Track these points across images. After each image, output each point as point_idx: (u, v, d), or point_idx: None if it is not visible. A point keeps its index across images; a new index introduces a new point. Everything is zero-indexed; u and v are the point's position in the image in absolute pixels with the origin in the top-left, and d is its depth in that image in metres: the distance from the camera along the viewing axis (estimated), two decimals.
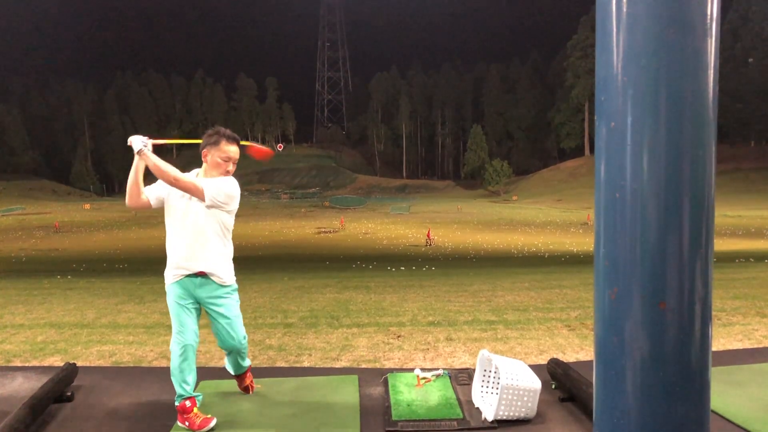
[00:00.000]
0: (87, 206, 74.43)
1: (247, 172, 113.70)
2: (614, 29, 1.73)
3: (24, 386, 4.62)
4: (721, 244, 25.48)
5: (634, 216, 1.74)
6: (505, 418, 3.75)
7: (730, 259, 16.67)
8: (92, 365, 5.38)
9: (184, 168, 3.92)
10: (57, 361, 5.46)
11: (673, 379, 1.74)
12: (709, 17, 1.68)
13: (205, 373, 4.85)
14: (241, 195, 4.03)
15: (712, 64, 1.71)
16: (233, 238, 4.07)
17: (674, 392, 1.74)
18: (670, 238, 1.71)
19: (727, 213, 47.32)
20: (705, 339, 1.78)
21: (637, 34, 1.68)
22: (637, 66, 1.70)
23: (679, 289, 1.73)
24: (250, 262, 22.02)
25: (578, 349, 5.68)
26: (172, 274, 3.82)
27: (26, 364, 5.44)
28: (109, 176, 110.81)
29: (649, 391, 1.76)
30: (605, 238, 1.80)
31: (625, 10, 1.70)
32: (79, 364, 4.94)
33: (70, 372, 4.60)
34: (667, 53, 1.66)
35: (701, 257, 1.74)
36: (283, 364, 5.35)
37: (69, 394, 4.35)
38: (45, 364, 5.41)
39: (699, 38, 1.66)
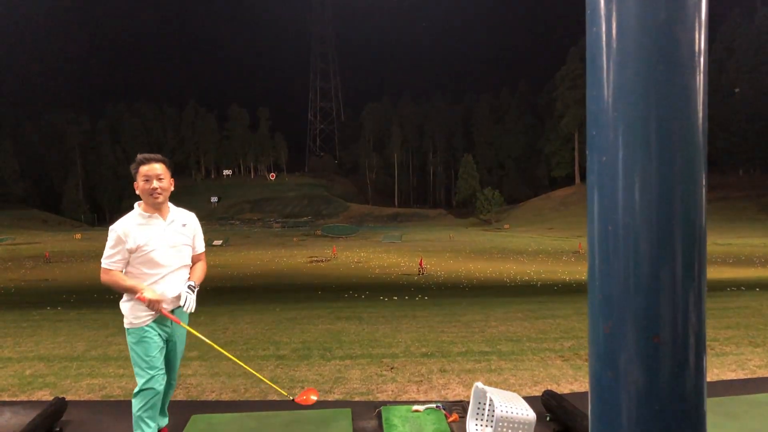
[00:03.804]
0: (78, 236, 73.98)
1: (238, 201, 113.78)
2: (605, 65, 1.75)
3: (12, 422, 4.55)
4: (711, 273, 25.55)
5: (627, 249, 1.75)
6: None
7: (721, 287, 16.71)
8: (82, 399, 5.31)
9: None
10: (46, 396, 5.38)
11: (668, 413, 1.73)
12: (697, 52, 1.71)
13: (195, 408, 4.79)
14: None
15: (701, 99, 1.74)
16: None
17: (670, 425, 1.73)
18: (663, 271, 1.72)
19: (716, 241, 47.55)
20: (700, 372, 1.77)
21: (628, 70, 1.70)
22: (627, 102, 1.72)
23: (673, 322, 1.73)
24: (242, 291, 21.88)
25: (572, 380, 5.65)
26: None
27: (14, 399, 5.35)
28: (100, 206, 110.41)
29: (644, 426, 1.74)
30: (598, 272, 1.81)
31: (615, 46, 1.73)
32: (68, 398, 4.87)
33: (59, 407, 4.54)
34: (657, 89, 1.69)
35: (694, 289, 1.74)
36: (275, 398, 5.29)
37: (58, 429, 4.28)
38: (33, 399, 5.33)
39: (688, 74, 1.69)
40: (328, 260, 44.89)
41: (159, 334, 3.66)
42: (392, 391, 5.40)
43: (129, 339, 3.64)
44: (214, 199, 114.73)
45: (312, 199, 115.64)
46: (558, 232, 70.72)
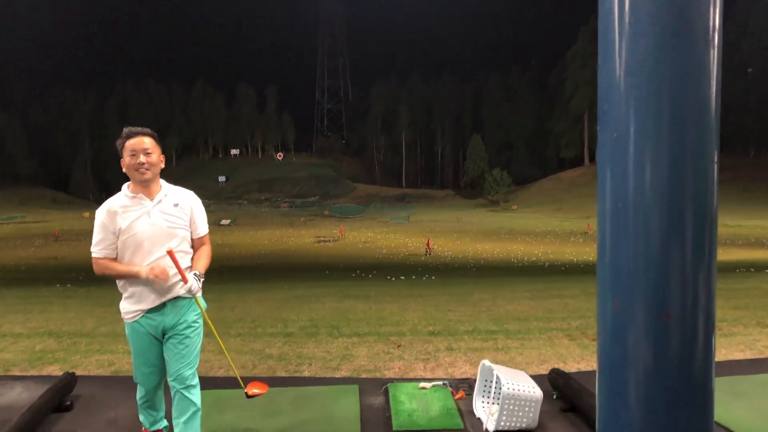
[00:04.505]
0: (86, 214, 74.39)
1: (246, 181, 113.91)
2: (616, 39, 1.72)
3: (23, 396, 4.60)
4: (721, 254, 25.46)
5: (637, 226, 1.73)
6: (506, 428, 3.73)
7: (731, 269, 16.66)
8: (91, 374, 5.36)
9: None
10: (56, 371, 5.44)
11: (676, 390, 1.73)
12: (711, 28, 1.68)
13: (204, 383, 4.83)
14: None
15: (715, 75, 1.71)
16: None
17: (678, 403, 1.73)
18: (674, 248, 1.70)
19: (726, 223, 47.34)
20: (708, 349, 1.76)
21: (640, 45, 1.67)
22: (639, 76, 1.70)
23: (683, 299, 1.71)
24: (249, 270, 21.97)
25: (579, 359, 5.66)
26: None
27: (25, 374, 5.41)
28: (109, 185, 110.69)
29: (652, 402, 1.74)
30: (608, 248, 1.79)
31: (627, 20, 1.70)
32: (78, 373, 4.92)
33: (69, 381, 4.58)
34: (670, 64, 1.66)
35: (704, 267, 1.73)
36: (283, 374, 5.33)
37: (68, 403, 4.33)
38: (44, 374, 5.38)
39: (701, 49, 1.66)
40: (336, 240, 45.01)
41: (149, 332, 3.28)
42: (399, 368, 5.42)
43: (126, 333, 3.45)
44: (221, 178, 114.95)
45: (319, 179, 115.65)
46: (566, 213, 70.56)
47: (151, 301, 3.22)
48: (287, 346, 6.34)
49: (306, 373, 5.33)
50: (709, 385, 1.75)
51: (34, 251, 37.66)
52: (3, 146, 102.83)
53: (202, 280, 3.28)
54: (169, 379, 3.30)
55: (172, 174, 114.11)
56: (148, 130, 3.32)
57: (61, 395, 4.35)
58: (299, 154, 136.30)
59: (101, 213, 3.24)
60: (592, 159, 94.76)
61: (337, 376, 5.21)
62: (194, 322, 3.35)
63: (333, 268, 22.66)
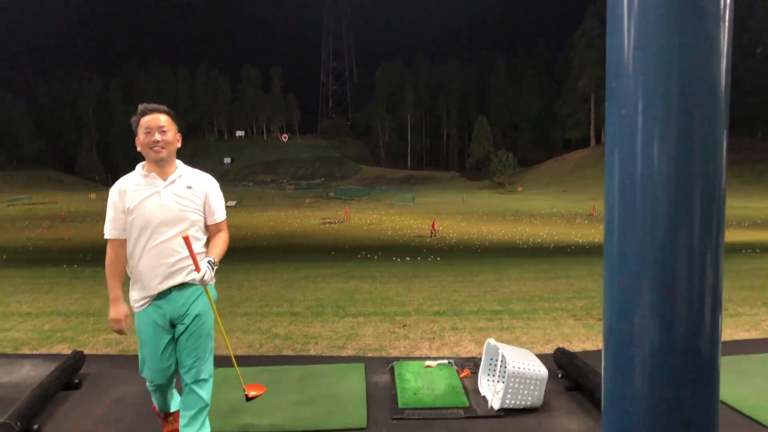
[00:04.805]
0: (93, 196, 74.60)
1: (251, 163, 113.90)
2: (625, 14, 1.70)
3: (32, 374, 4.65)
4: (727, 235, 25.33)
5: (644, 204, 1.72)
6: (511, 406, 3.75)
7: (737, 249, 16.63)
8: (99, 353, 5.41)
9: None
10: (64, 349, 5.49)
11: (682, 368, 1.73)
12: (722, 4, 1.66)
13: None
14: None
15: (725, 51, 1.69)
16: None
17: (684, 381, 1.73)
18: (681, 226, 1.69)
19: (733, 204, 47.12)
20: (715, 328, 1.76)
21: (649, 19, 1.65)
22: (648, 52, 1.68)
23: (689, 277, 1.71)
24: (256, 251, 22.04)
25: (584, 338, 5.68)
26: None
27: (34, 352, 5.47)
28: (115, 166, 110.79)
29: (658, 380, 1.74)
30: (615, 226, 1.78)
31: None
32: (86, 352, 4.96)
33: (77, 360, 4.63)
34: (680, 39, 1.64)
35: (712, 246, 1.72)
36: (289, 353, 5.36)
37: (77, 381, 4.38)
38: (52, 352, 5.43)
39: (712, 25, 1.64)
40: (341, 222, 45.05)
41: (157, 322, 3.12)
42: (405, 347, 5.45)
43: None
44: (227, 160, 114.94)
45: (324, 161, 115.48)
46: (572, 195, 70.33)
47: (155, 286, 3.07)
48: (293, 326, 6.37)
49: (312, 352, 5.36)
50: (715, 364, 1.75)
51: (42, 232, 37.84)
52: (9, 128, 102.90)
53: (215, 267, 3.09)
54: (180, 371, 3.20)
55: (178, 156, 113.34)
56: (164, 107, 3.18)
57: (70, 373, 4.40)
58: (304, 135, 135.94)
59: (113, 192, 3.13)
60: (599, 140, 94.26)
61: (343, 355, 5.25)
62: (205, 313, 3.18)
63: (338, 250, 22.70)
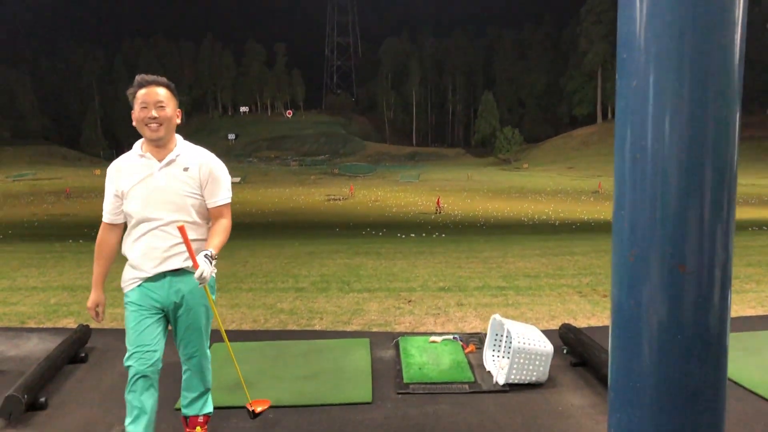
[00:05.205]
0: (97, 172, 74.71)
1: (256, 139, 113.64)
2: None
3: (39, 347, 4.68)
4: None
5: (654, 177, 1.69)
6: (516, 381, 3.76)
7: (744, 227, 16.58)
8: (105, 327, 5.42)
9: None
10: (70, 323, 5.52)
11: (690, 344, 1.71)
12: None
13: (215, 336, 4.89)
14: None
15: (740, 23, 1.64)
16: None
17: (691, 357, 1.71)
18: (691, 200, 1.67)
19: (740, 181, 46.56)
20: (724, 304, 1.74)
21: None
22: (660, 22, 1.63)
23: (699, 252, 1.68)
24: (260, 227, 22.09)
25: (590, 315, 5.67)
26: None
27: (41, 326, 5.50)
28: (119, 142, 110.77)
29: (666, 356, 1.73)
30: (624, 199, 1.76)
31: None
32: (92, 326, 4.98)
33: (83, 334, 4.65)
34: (693, 8, 1.59)
35: (722, 220, 1.70)
36: (294, 327, 5.38)
37: (83, 355, 4.40)
38: (59, 326, 5.46)
39: None
40: (346, 198, 45.07)
41: (145, 306, 2.88)
42: (409, 323, 5.46)
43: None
44: (231, 136, 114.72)
45: (329, 137, 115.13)
46: (578, 172, 70.08)
47: (148, 268, 2.85)
48: (298, 301, 6.39)
49: (317, 327, 5.38)
50: (723, 340, 1.74)
51: (47, 208, 37.99)
52: (13, 104, 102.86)
53: (215, 261, 2.78)
54: (181, 359, 3.05)
55: (182, 132, 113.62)
56: (163, 79, 2.90)
57: (76, 347, 4.43)
58: (308, 111, 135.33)
59: (109, 171, 2.93)
60: (605, 117, 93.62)
61: (348, 330, 5.26)
62: (199, 306, 2.95)
63: (343, 226, 22.72)
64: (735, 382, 3.72)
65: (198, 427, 3.12)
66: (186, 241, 2.69)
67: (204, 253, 2.75)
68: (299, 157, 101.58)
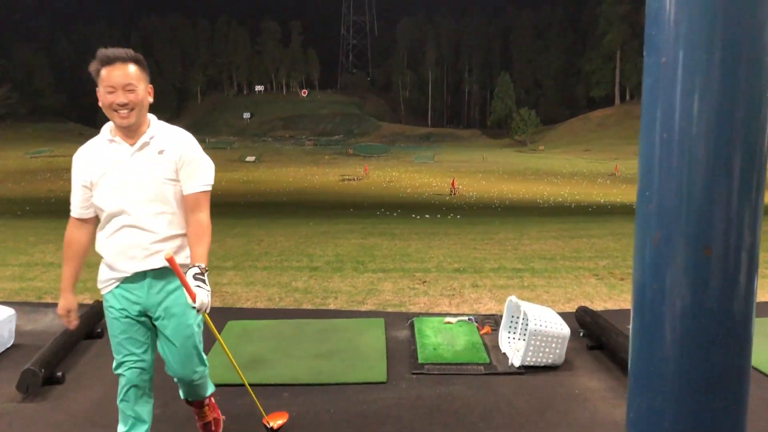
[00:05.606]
0: None
1: (271, 118, 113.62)
2: None
3: (56, 322, 4.71)
4: None
5: (681, 157, 1.64)
6: (532, 364, 3.74)
7: (766, 211, 16.39)
8: None
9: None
10: (86, 299, 5.55)
11: (714, 329, 1.67)
12: None
13: (231, 314, 4.91)
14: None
15: None
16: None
17: (715, 343, 1.67)
18: (719, 182, 1.62)
19: None
20: (750, 289, 1.69)
21: None
22: None
23: (726, 235, 1.63)
24: (275, 206, 22.12)
25: (606, 298, 5.63)
26: None
27: (57, 301, 5.53)
28: None
29: (688, 341, 1.69)
30: (649, 180, 1.71)
31: None
32: None
33: (99, 309, 4.65)
34: None
35: (750, 203, 1.64)
36: (309, 306, 5.39)
37: (99, 330, 4.44)
38: None
39: None
40: (360, 179, 44.99)
41: (125, 309, 2.58)
42: (424, 304, 5.45)
43: None
44: (246, 115, 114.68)
45: (344, 117, 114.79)
46: (594, 155, 69.43)
47: (126, 268, 2.54)
48: (313, 280, 6.40)
49: (332, 306, 5.38)
50: (748, 326, 1.69)
51: (63, 185, 38.23)
52: (30, 81, 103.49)
53: (207, 273, 2.44)
54: (171, 374, 2.75)
55: (197, 110, 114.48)
56: (130, 51, 2.47)
57: (93, 323, 4.46)
58: (324, 91, 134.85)
59: (75, 162, 2.58)
60: (623, 99, 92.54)
61: (362, 310, 5.26)
62: (185, 312, 2.59)
63: (357, 206, 22.70)
64: (757, 369, 3.67)
65: (205, 407, 2.97)
66: (178, 273, 2.35)
67: (193, 272, 2.39)
68: (314, 136, 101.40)
